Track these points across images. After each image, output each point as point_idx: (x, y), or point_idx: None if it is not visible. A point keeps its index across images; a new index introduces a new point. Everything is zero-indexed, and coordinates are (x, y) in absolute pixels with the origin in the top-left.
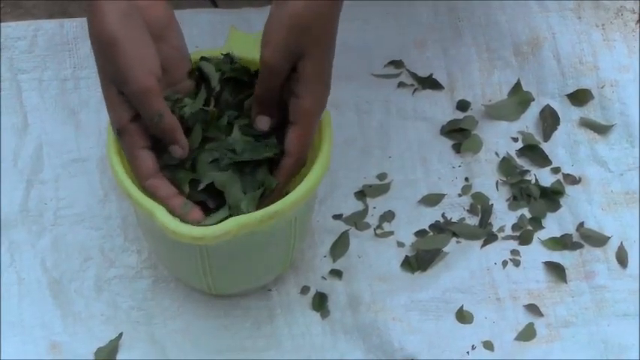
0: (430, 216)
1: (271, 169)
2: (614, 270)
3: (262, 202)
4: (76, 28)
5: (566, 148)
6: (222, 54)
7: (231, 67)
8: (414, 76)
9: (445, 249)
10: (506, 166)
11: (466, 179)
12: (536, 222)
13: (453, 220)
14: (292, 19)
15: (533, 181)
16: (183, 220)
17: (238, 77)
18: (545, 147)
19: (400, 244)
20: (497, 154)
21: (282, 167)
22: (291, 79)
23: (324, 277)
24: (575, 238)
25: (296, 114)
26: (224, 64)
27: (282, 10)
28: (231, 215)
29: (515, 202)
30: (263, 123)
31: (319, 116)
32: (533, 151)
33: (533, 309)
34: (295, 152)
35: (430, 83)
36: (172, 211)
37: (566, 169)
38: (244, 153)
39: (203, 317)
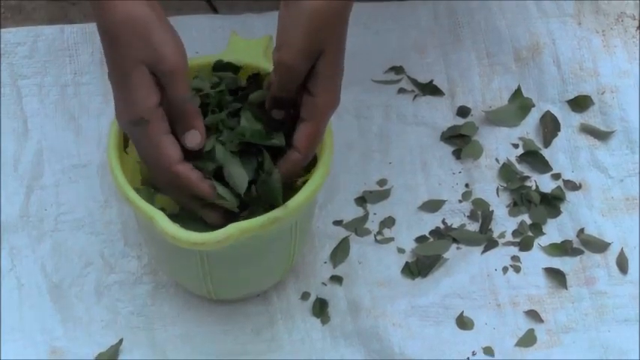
0: (430, 222)
1: (275, 161)
2: (615, 276)
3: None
4: (77, 33)
5: (566, 154)
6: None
7: (221, 79)
8: (415, 82)
9: (445, 255)
10: (506, 172)
11: (466, 185)
12: (537, 228)
13: (454, 226)
14: (311, 17)
15: (534, 187)
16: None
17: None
18: (546, 153)
19: (400, 250)
20: (497, 160)
21: (286, 160)
22: (307, 77)
23: (324, 283)
24: (576, 244)
25: (309, 111)
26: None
27: (297, 9)
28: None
29: (515, 208)
30: (277, 114)
31: (332, 114)
32: (533, 157)
33: (533, 315)
34: (303, 149)
35: (430, 89)
36: (203, 194)
37: (566, 175)
38: (252, 137)
39: (203, 323)
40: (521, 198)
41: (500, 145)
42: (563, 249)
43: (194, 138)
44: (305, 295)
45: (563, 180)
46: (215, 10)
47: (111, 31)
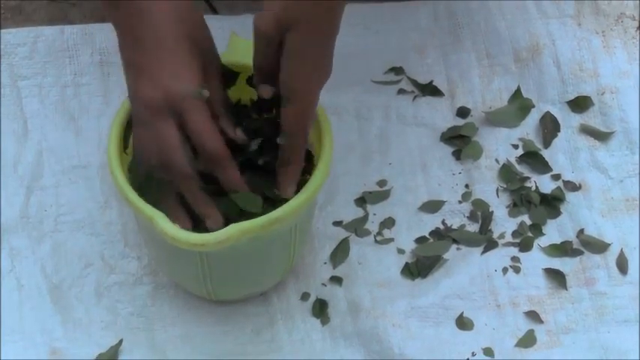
0: (430, 222)
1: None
2: (615, 276)
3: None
4: (77, 34)
5: (566, 154)
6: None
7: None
8: (415, 82)
9: (445, 255)
10: (506, 172)
11: (466, 186)
12: (537, 228)
13: (454, 226)
14: None
15: (534, 188)
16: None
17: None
18: (546, 153)
19: (400, 251)
20: (497, 160)
21: (280, 151)
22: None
23: (324, 284)
24: (576, 244)
25: (283, 90)
26: None
27: None
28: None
29: (515, 208)
30: (266, 91)
31: (307, 94)
32: (533, 158)
33: (533, 315)
34: (287, 131)
35: (430, 90)
36: (233, 180)
37: (566, 176)
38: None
39: (203, 323)
40: (521, 199)
41: (500, 145)
42: (563, 250)
43: (241, 134)
44: (305, 296)
45: (563, 181)
46: (215, 11)
47: (154, 12)
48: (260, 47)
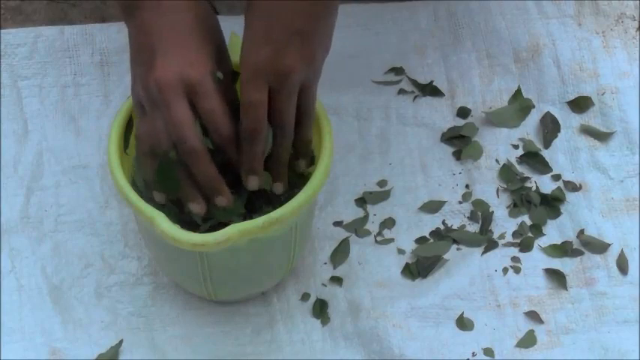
0: (430, 223)
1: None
2: (615, 277)
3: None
4: (77, 34)
5: (566, 154)
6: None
7: None
8: (415, 82)
9: (445, 256)
10: (506, 172)
11: (466, 186)
12: (537, 229)
13: (454, 227)
14: None
15: (534, 188)
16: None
17: None
18: (546, 154)
19: (400, 251)
20: (497, 160)
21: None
22: None
23: (324, 284)
24: (576, 244)
25: None
26: None
27: None
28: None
29: (515, 208)
30: None
31: (252, 76)
32: (533, 158)
33: (533, 316)
34: (242, 114)
35: (430, 90)
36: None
37: (566, 176)
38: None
39: (203, 324)
40: (521, 199)
41: (500, 146)
42: (563, 250)
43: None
44: (305, 296)
45: (563, 181)
46: (215, 11)
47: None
48: None
